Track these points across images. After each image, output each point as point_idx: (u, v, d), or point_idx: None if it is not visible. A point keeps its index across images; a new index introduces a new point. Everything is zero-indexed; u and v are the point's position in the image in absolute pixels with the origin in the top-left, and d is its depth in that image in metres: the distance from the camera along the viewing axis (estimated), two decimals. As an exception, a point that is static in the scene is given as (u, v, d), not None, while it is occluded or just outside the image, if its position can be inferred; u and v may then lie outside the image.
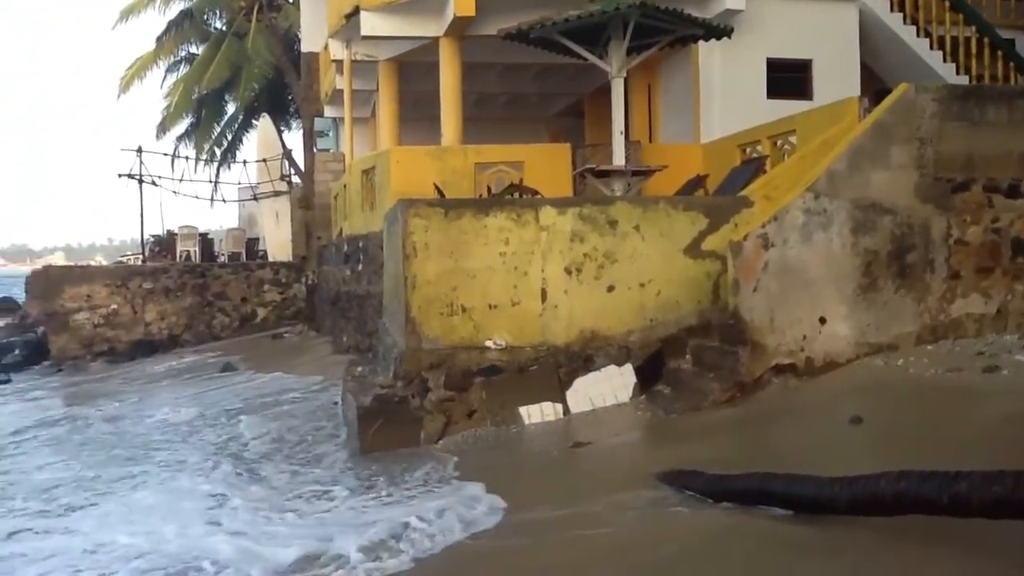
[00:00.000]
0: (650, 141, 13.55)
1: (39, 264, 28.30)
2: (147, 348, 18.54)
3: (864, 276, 6.92)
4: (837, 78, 11.87)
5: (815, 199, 6.90)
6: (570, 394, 7.30)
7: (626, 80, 9.73)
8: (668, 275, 7.47)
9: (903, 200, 7.00)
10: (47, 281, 19.30)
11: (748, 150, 10.83)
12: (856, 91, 11.13)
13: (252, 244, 23.71)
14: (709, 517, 4.47)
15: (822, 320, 6.83)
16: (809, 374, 6.78)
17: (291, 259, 20.95)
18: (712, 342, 7.16)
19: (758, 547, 3.97)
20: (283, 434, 8.50)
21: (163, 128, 30.31)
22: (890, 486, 3.71)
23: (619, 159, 9.50)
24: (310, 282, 19.56)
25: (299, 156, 23.84)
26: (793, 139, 9.85)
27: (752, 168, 9.70)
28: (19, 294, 32.60)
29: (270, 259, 22.20)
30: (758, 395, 6.65)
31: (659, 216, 7.50)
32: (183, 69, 29.91)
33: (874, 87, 11.45)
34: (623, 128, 9.51)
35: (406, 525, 5.10)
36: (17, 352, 18.74)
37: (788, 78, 12.29)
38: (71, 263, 26.92)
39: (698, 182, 10.10)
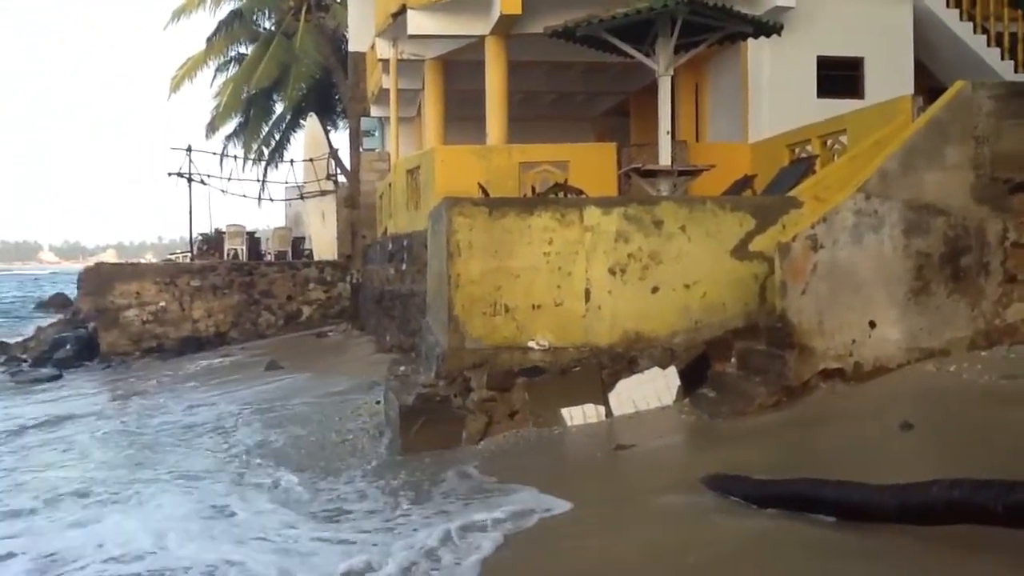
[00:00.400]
0: (697, 140, 13.42)
1: (91, 261, 28.87)
2: (194, 345, 18.78)
3: (916, 279, 6.74)
4: (890, 76, 11.65)
5: (866, 200, 6.74)
6: (613, 396, 7.23)
7: (673, 78, 9.62)
8: (714, 276, 7.37)
9: (958, 201, 6.81)
10: (98, 278, 19.66)
11: (797, 150, 10.67)
12: (909, 89, 10.92)
13: (298, 243, 23.95)
14: (753, 523, 4.38)
15: (872, 324, 6.67)
16: (858, 379, 6.62)
17: (336, 258, 21.11)
18: (759, 345, 7.04)
19: (803, 554, 3.89)
20: (326, 433, 8.53)
21: (212, 127, 30.86)
22: (942, 494, 3.60)
23: (665, 159, 9.40)
24: (355, 281, 19.69)
25: (345, 156, 24.08)
26: (844, 139, 9.67)
27: (801, 168, 9.54)
28: (72, 291, 33.44)
29: (315, 258, 22.38)
30: (805, 400, 6.51)
31: (706, 216, 7.40)
32: (232, 69, 30.38)
33: (928, 85, 11.20)
34: (669, 127, 9.40)
35: (447, 532, 5.06)
36: (69, 347, 19.12)
37: (839, 76, 12.08)
38: (122, 261, 27.43)
39: (746, 182, 9.96)
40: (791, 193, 7.85)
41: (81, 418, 11.40)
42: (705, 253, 7.37)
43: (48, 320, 28.60)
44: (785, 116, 11.30)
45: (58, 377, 16.67)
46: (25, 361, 19.05)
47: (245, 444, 8.64)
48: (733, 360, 7.28)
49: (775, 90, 12.10)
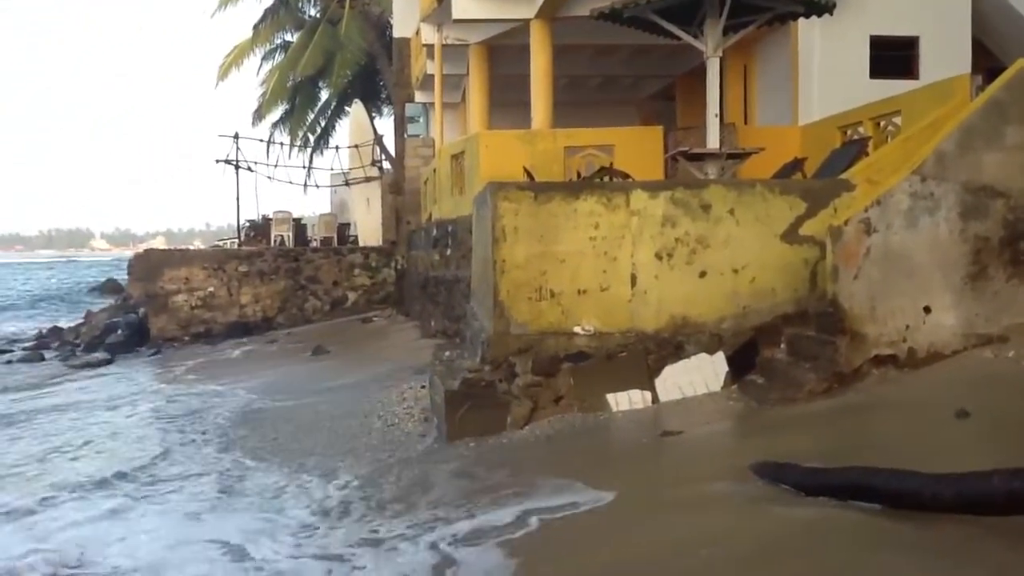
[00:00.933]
0: (745, 123, 13.22)
1: (141, 248, 29.39)
2: (242, 330, 19.02)
3: (973, 263, 6.56)
4: (946, 56, 11.33)
5: (921, 182, 6.56)
6: (659, 382, 7.16)
7: (721, 60, 9.45)
8: (763, 261, 7.24)
9: (1018, 183, 6.60)
10: (148, 264, 19.99)
11: (849, 132, 10.45)
12: (966, 69, 10.60)
13: (343, 229, 24.12)
14: (803, 511, 4.29)
15: (927, 309, 6.51)
16: (911, 366, 6.47)
17: (381, 244, 21.22)
18: (809, 331, 6.91)
19: (854, 544, 3.79)
20: (372, 419, 8.56)
21: (259, 115, 31.17)
22: (1003, 484, 3.49)
23: (713, 142, 9.26)
24: (399, 267, 19.78)
25: (390, 142, 24.19)
26: (898, 120, 9.45)
27: (853, 150, 9.34)
28: (123, 277, 34.09)
29: (360, 244, 22.52)
30: (856, 387, 6.38)
31: (755, 200, 7.27)
32: (278, 56, 30.62)
33: (987, 65, 10.88)
34: (718, 110, 9.25)
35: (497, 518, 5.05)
36: (120, 332, 19.48)
37: (893, 56, 11.78)
38: (171, 247, 27.90)
39: (796, 165, 9.78)
40: (843, 176, 7.68)
41: (131, 400, 11.62)
42: (754, 237, 7.25)
43: (100, 305, 29.19)
44: (836, 98, 11.07)
45: (109, 361, 17.00)
46: (78, 345, 19.47)
47: (294, 428, 8.73)
48: (782, 346, 7.15)
49: (826, 71, 11.85)
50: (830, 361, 6.49)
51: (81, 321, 23.84)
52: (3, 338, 22.70)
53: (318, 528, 5.59)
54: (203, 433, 8.99)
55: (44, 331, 23.22)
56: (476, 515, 5.21)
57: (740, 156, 9.61)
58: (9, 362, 17.77)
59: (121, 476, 7.39)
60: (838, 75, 11.71)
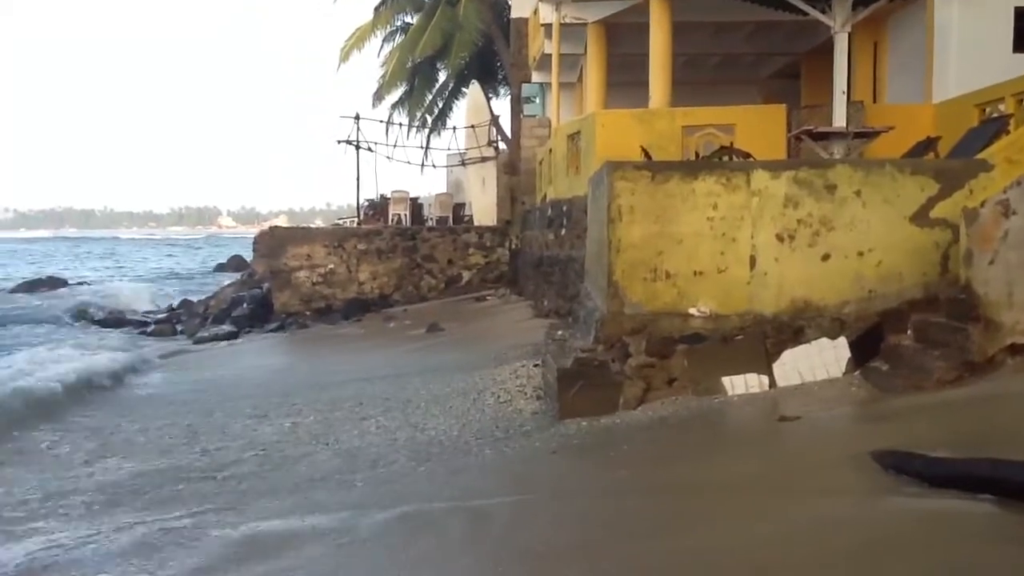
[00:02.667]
0: (874, 102, 12.68)
1: (265, 226, 30.50)
2: (359, 306, 19.49)
3: (1123, 249, 6.12)
4: (1101, 27, 10.58)
5: (1068, 162, 6.17)
6: (777, 366, 6.99)
7: (850, 36, 9.10)
8: (890, 244, 6.96)
9: None
10: (272, 241, 20.72)
11: (988, 110, 9.89)
12: (1120, 41, 9.88)
13: (458, 209, 24.41)
14: (928, 503, 4.12)
15: (1070, 297, 6.12)
16: (1051, 356, 6.11)
17: (495, 224, 21.39)
18: (938, 317, 6.61)
19: (982, 539, 3.63)
20: (485, 396, 8.66)
21: (379, 96, 31.79)
22: None
23: (840, 120, 8.94)
24: (513, 246, 19.90)
25: (506, 122, 24.30)
26: (1043, 97, 8.89)
27: (992, 129, 8.84)
28: (248, 253, 35.54)
29: (475, 223, 22.75)
30: (989, 376, 6.05)
31: (883, 180, 6.98)
32: (398, 38, 31.12)
33: None
34: (845, 87, 8.93)
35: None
36: (245, 306, 20.33)
37: (1039, 29, 11.07)
38: (293, 225, 28.84)
39: (928, 144, 9.33)
40: (980, 156, 7.29)
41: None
42: (881, 219, 6.97)
43: (226, 280, 30.50)
44: (975, 73, 10.48)
45: (235, 335, 17.76)
46: (206, 319, 20.42)
47: (415, 401, 8.93)
48: (909, 332, 6.86)
49: (964, 46, 11.23)
50: (961, 349, 6.18)
51: (210, 295, 25.00)
52: (141, 311, 24.07)
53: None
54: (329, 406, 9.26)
55: (175, 304, 24.48)
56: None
57: (868, 135, 9.25)
58: (143, 332, 18.96)
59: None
60: (978, 49, 11.09)
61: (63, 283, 33.50)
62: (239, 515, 5.62)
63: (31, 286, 32.28)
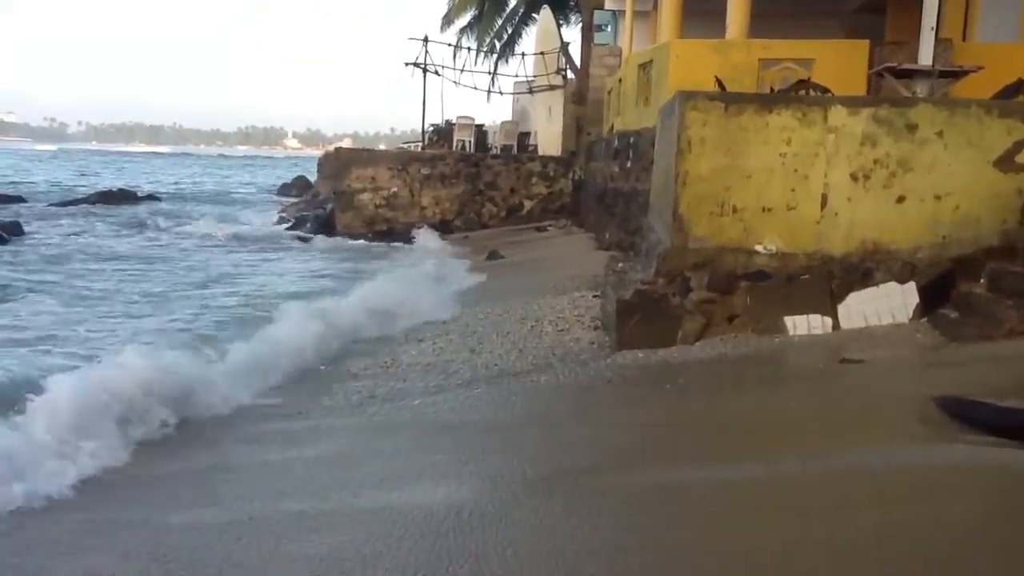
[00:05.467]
0: (964, 40, 12.11)
1: (330, 148, 30.66)
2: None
3: None
4: None
5: None
6: (842, 308, 6.85)
7: (943, -32, 8.67)
8: (970, 188, 6.71)
9: None
10: (337, 162, 20.85)
11: (1086, 51, 9.38)
12: None
13: (523, 137, 24.20)
14: (991, 453, 4.04)
15: None
16: None
17: (560, 154, 21.18)
18: (1016, 267, 6.40)
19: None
20: (543, 324, 8.66)
21: (448, 20, 31.43)
22: None
23: (926, 58, 8.56)
24: (577, 177, 19.72)
25: (576, 50, 23.83)
26: None
27: (1090, 72, 8.39)
28: (312, 175, 35.87)
29: (539, 153, 22.56)
30: (1064, 329, 5.88)
31: (968, 122, 6.70)
32: (471, -39, 30.59)
33: None
34: (934, 23, 8.52)
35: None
36: (309, 225, 20.59)
37: None
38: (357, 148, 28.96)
39: (1019, 86, 8.88)
40: (1075, 100, 6.95)
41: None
42: (963, 162, 6.71)
43: (291, 201, 30.86)
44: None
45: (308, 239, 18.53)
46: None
47: (472, 325, 9.03)
48: (983, 280, 6.65)
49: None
50: (1036, 300, 6.00)
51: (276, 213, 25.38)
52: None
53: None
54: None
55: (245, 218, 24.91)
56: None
57: (954, 74, 8.85)
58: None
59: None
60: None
61: (133, 196, 33.99)
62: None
63: (103, 196, 32.80)
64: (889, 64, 9.01)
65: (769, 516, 3.66)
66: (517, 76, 26.39)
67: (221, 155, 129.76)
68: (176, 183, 50.70)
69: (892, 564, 3.04)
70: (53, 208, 27.25)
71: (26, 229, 19.94)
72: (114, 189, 34.34)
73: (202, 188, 47.25)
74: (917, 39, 8.98)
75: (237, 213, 27.70)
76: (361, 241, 18.93)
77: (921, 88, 8.51)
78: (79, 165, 71.10)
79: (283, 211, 25.82)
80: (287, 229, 21.38)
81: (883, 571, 3.02)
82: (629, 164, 13.10)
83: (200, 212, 27.26)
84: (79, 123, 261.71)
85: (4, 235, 17.82)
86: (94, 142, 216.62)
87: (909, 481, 3.86)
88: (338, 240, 19.18)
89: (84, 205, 28.07)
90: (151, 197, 33.86)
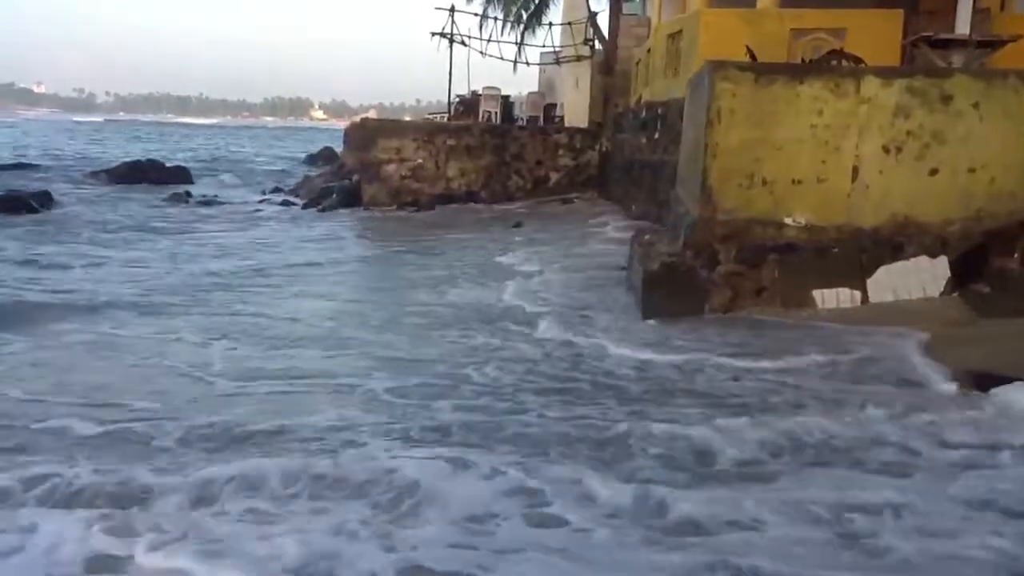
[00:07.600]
0: (1002, 10, 11.86)
1: (356, 119, 30.60)
2: (446, 202, 19.50)
3: None
4: None
5: None
6: (871, 282, 6.80)
7: (981, -64, 8.48)
8: (1006, 161, 6.62)
9: None
10: (363, 133, 20.74)
11: None
12: None
13: (550, 109, 24.01)
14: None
15: None
16: None
17: (587, 125, 21.02)
18: (1051, 241, 6.32)
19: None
20: (571, 294, 8.65)
21: (475, -11, 31.08)
22: None
23: (963, 27, 8.41)
24: (604, 149, 19.58)
25: (603, 21, 23.56)
26: None
27: None
28: (338, 145, 35.77)
29: (566, 124, 22.40)
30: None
31: (1006, 93, 6.59)
32: (498, -71, 30.23)
33: None
34: (972, -9, 8.37)
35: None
36: (334, 196, 20.56)
37: None
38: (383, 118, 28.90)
39: (1057, 58, 8.73)
40: (1115, 71, 6.80)
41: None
42: (998, 134, 6.61)
43: (316, 171, 30.84)
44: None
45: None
46: (296, 206, 20.79)
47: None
48: (1016, 255, 6.58)
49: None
50: (1072, 275, 5.93)
51: (300, 182, 25.40)
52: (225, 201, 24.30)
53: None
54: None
55: (267, 190, 24.94)
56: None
57: (992, 45, 8.69)
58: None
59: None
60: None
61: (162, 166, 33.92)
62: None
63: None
64: (924, 34, 8.85)
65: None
66: (544, 46, 26.16)
67: (246, 126, 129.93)
68: (213, 153, 51.15)
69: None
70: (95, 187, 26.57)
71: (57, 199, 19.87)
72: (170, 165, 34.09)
73: (236, 156, 47.66)
74: (952, 8, 8.81)
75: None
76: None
77: (957, 59, 8.36)
78: (129, 137, 70.98)
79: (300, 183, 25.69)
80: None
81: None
82: (657, 135, 13.00)
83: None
84: (107, 93, 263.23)
85: (34, 204, 17.93)
86: (121, 112, 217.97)
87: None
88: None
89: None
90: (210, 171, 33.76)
